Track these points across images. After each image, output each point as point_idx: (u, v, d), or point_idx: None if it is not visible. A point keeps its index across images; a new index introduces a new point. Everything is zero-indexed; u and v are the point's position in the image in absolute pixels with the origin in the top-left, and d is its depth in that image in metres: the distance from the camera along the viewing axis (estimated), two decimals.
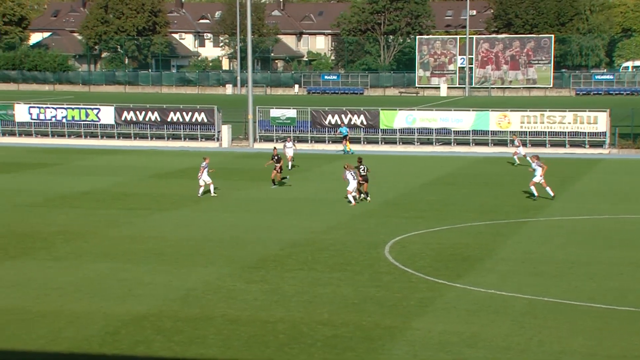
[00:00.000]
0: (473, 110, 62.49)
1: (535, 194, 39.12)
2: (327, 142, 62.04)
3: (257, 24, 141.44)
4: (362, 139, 61.99)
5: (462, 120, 61.06)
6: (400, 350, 19.96)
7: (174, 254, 29.00)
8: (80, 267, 27.09)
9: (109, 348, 19.99)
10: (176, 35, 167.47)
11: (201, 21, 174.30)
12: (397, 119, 61.83)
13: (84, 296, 23.96)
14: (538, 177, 39.08)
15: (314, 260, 28.20)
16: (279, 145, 49.85)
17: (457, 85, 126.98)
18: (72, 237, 31.30)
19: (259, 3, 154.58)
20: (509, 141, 57.10)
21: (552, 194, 39.08)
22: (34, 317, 22.03)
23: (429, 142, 61.40)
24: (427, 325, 21.58)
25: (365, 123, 61.94)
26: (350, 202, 37.69)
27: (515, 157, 51.58)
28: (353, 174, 37.65)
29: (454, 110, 64.03)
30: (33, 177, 46.70)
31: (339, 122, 62.04)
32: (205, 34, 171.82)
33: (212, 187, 40.29)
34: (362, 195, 38.81)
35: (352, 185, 37.64)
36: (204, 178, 39.99)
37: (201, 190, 40.07)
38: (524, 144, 56.37)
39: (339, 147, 60.72)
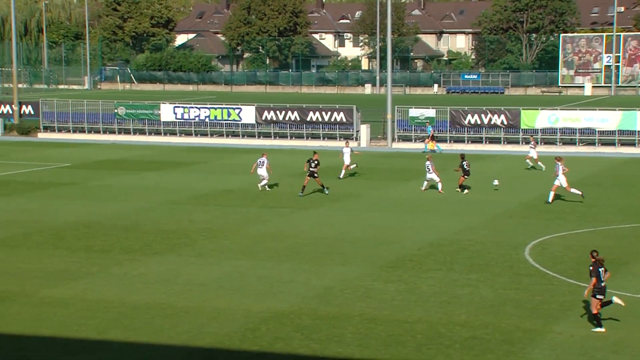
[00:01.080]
0: (619, 110, 60.70)
1: (550, 199, 37.83)
2: (466, 141, 61.40)
3: (397, 23, 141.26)
4: (502, 139, 61.10)
5: (608, 120, 59.39)
6: (541, 354, 19.58)
7: (312, 252, 29.26)
8: (221, 264, 27.65)
9: (249, 344, 20.30)
10: (316, 36, 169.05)
11: (341, 21, 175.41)
12: (539, 118, 60.66)
13: (225, 293, 24.43)
14: (563, 181, 37.71)
15: (452, 260, 27.98)
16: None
17: (603, 84, 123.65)
18: (214, 235, 31.98)
19: (399, 2, 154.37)
20: (532, 140, 52.21)
21: (579, 193, 37.87)
22: (178, 312, 22.60)
23: (572, 143, 60.00)
24: (569, 329, 21.11)
25: (505, 123, 61.01)
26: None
27: (527, 160, 49.10)
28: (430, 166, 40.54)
29: (599, 109, 62.35)
30: (178, 175, 47.95)
31: (479, 122, 61.36)
32: (345, 34, 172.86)
33: (264, 182, 41.54)
34: (463, 189, 40.79)
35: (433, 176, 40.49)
36: (261, 173, 41.36)
37: (263, 182, 41.57)
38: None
39: (478, 147, 60.08)
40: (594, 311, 21.14)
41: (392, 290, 24.52)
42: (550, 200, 37.85)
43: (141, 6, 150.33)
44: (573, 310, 22.64)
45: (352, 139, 63.64)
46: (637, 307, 22.87)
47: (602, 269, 21.33)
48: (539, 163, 48.44)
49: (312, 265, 27.48)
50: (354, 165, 46.46)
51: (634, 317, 22.05)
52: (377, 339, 20.53)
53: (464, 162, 40.66)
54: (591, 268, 21.29)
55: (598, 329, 20.94)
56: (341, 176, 45.53)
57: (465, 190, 40.78)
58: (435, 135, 60.05)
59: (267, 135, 65.80)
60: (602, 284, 21.20)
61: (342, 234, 32.09)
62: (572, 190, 37.87)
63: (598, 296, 21.14)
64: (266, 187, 41.71)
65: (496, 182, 41.50)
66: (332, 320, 21.85)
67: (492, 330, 21.06)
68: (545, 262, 27.57)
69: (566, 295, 24.00)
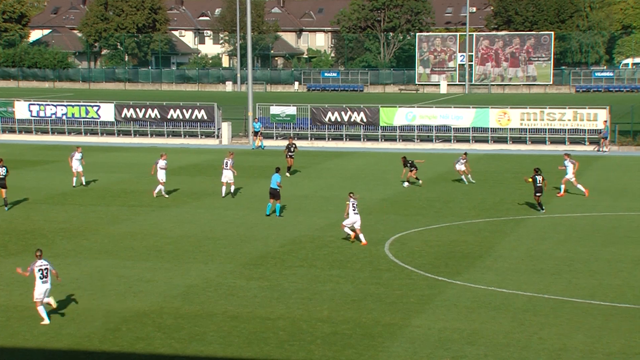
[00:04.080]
0: (473, 108, 62.47)
1: (561, 191, 39.90)
2: (327, 139, 62.09)
3: (256, 21, 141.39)
4: (362, 136, 62.03)
5: (462, 117, 61.06)
6: (400, 347, 20.00)
7: (174, 251, 29.05)
8: (80, 264, 27.15)
9: (110, 345, 20.05)
10: (176, 33, 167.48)
11: (201, 18, 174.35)
12: (397, 116, 61.83)
13: (84, 293, 24.01)
14: (570, 175, 39.79)
15: (314, 257, 28.25)
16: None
17: (457, 83, 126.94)
18: (72, 234, 31.34)
19: (259, 0, 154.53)
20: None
21: (584, 190, 39.76)
22: (35, 314, 22.00)
23: (428, 139, 61.43)
24: (427, 323, 21.62)
25: (365, 120, 61.94)
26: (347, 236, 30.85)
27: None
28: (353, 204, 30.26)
29: (454, 107, 64.04)
30: (33, 174, 46.71)
31: (339, 119, 62.13)
32: (205, 31, 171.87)
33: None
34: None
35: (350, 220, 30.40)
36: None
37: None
38: (524, 142, 56.73)
39: (339, 144, 60.89)
40: None
41: (254, 288, 24.58)
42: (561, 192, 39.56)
43: None
44: (430, 303, 23.21)
45: (214, 136, 63.45)
46: (490, 299, 23.62)
47: None
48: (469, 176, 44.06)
49: (174, 264, 27.28)
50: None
51: (487, 308, 22.77)
52: (240, 336, 20.56)
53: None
54: None
55: None
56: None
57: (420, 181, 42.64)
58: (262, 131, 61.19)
59: (126, 133, 64.84)
60: None
61: (205, 232, 31.96)
62: (579, 185, 40.00)
63: None
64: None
65: (406, 184, 42.25)
66: (194, 319, 21.77)
67: (353, 325, 21.37)
68: (404, 257, 28.16)
69: (424, 289, 24.57)
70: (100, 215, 35.09)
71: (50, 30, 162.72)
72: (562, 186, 40.14)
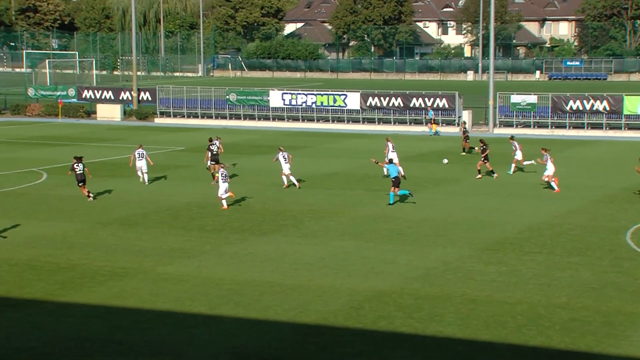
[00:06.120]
0: None
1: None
2: (567, 127, 61.09)
3: (499, 11, 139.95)
4: (604, 124, 60.57)
5: None
6: None
7: (414, 234, 29.78)
8: (326, 244, 28.36)
9: (353, 322, 20.72)
10: (420, 24, 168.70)
11: (445, 9, 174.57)
12: None
13: (330, 272, 25.09)
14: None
15: (552, 244, 28.19)
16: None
17: None
18: (319, 216, 32.77)
19: None
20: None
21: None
22: (285, 289, 23.29)
23: None
24: None
25: (607, 109, 60.44)
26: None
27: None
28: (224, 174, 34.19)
29: None
30: None
31: (580, 108, 61.01)
32: (448, 22, 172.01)
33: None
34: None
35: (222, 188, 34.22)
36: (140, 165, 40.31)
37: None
38: None
39: (580, 132, 59.78)
40: None
41: (492, 272, 24.87)
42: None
43: None
44: None
45: (454, 124, 63.91)
46: None
47: None
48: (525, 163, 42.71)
49: (415, 246, 27.99)
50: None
51: None
52: (478, 319, 20.78)
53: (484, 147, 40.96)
54: None
55: None
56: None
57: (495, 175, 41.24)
58: (436, 119, 61.92)
59: (371, 121, 66.46)
60: None
61: (444, 217, 32.54)
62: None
63: None
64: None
65: (445, 160, 41.28)
66: (433, 301, 22.21)
67: (593, 313, 21.10)
68: None
69: None
70: (345, 198, 36.47)
71: (303, 24, 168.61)
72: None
